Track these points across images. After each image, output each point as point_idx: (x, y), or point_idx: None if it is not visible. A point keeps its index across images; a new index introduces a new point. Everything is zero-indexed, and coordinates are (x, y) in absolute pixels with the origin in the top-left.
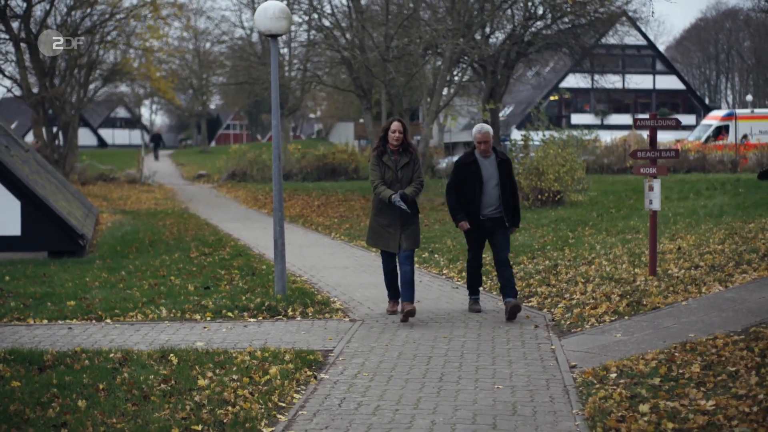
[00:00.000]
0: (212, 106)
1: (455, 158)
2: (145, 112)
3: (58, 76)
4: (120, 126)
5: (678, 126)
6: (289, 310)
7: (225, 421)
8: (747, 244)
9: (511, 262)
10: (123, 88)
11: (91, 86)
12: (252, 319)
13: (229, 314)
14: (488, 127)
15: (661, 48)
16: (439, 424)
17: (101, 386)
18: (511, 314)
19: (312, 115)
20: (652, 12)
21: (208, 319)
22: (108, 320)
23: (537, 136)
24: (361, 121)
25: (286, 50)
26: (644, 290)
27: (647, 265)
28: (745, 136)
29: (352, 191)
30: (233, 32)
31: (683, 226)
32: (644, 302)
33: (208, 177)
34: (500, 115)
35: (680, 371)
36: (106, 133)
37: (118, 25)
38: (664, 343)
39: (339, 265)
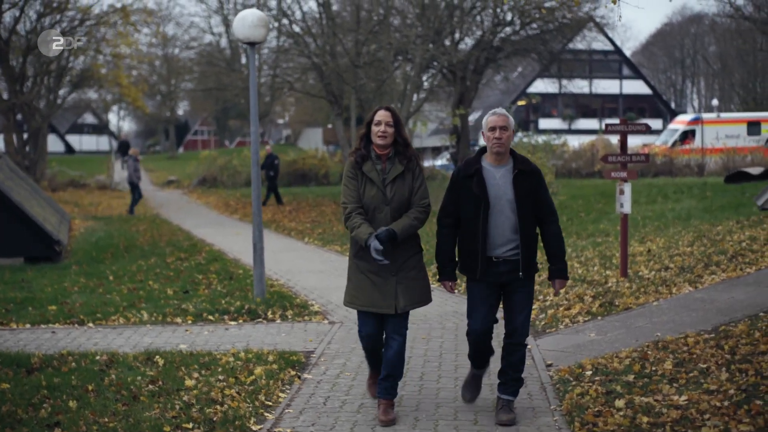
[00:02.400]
0: (180, 112)
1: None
2: (112, 118)
3: (28, 82)
4: (87, 132)
5: (648, 131)
6: (269, 313)
7: (215, 419)
8: (715, 246)
9: (528, 343)
10: (91, 94)
11: (61, 92)
12: (233, 323)
13: (210, 318)
14: (505, 111)
15: (628, 53)
16: (422, 420)
17: (90, 387)
18: (501, 423)
19: (280, 121)
20: (619, 16)
21: (190, 322)
22: (90, 324)
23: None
24: (330, 126)
25: (255, 56)
26: (616, 291)
27: (618, 267)
28: (685, 135)
29: (323, 196)
30: (202, 38)
31: (652, 229)
32: (616, 303)
33: (178, 183)
34: (469, 119)
35: (653, 368)
36: (74, 140)
37: (88, 31)
38: (636, 341)
39: (314, 269)
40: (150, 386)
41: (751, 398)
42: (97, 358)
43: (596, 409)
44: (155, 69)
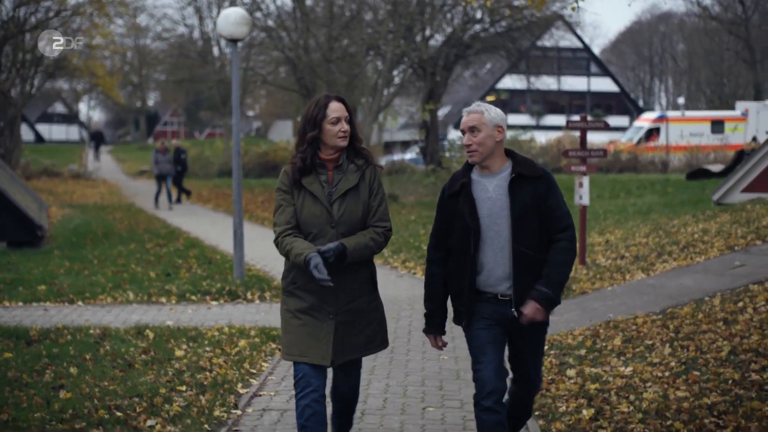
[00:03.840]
0: (150, 103)
1: (395, 157)
2: (82, 107)
3: (4, 71)
4: (57, 121)
5: (606, 128)
6: (248, 294)
7: (205, 383)
8: (669, 237)
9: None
10: (61, 83)
11: (35, 81)
12: (214, 302)
13: (193, 298)
14: (486, 107)
15: (597, 50)
16: (393, 386)
17: (87, 357)
18: None
19: (250, 113)
20: (578, 22)
21: (174, 302)
22: (80, 303)
23: None
24: (299, 119)
25: (228, 49)
26: (574, 277)
27: (577, 255)
28: (650, 133)
29: None
30: (174, 29)
31: (612, 222)
32: (573, 288)
33: (150, 173)
34: (438, 114)
35: (603, 344)
36: (43, 129)
37: (63, 22)
38: (590, 321)
39: None
40: (143, 356)
41: (689, 370)
42: (91, 331)
43: (550, 377)
44: (126, 59)
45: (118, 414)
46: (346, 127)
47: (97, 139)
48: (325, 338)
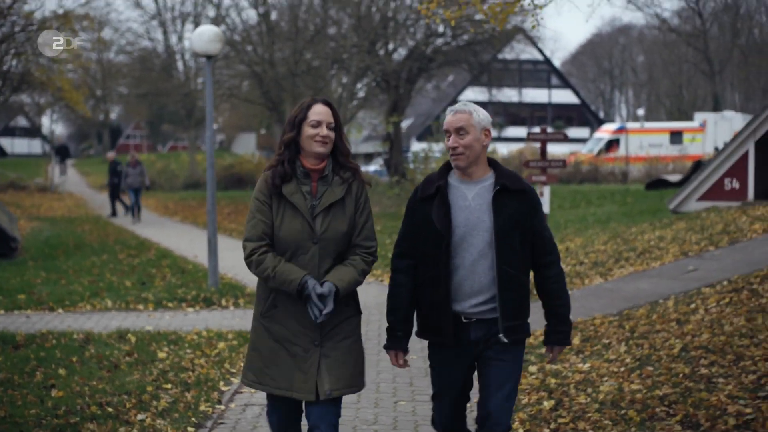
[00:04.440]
0: (113, 116)
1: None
2: (45, 121)
3: None
4: (19, 135)
5: (565, 139)
6: (223, 301)
7: (189, 381)
8: (627, 244)
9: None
10: (23, 97)
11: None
12: (190, 309)
13: (169, 305)
14: (474, 107)
15: (558, 63)
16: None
17: (74, 359)
18: None
19: (214, 126)
20: (538, 36)
21: (151, 309)
22: (60, 310)
23: (438, 147)
24: (263, 131)
25: (192, 63)
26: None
27: None
28: (610, 144)
29: None
30: (138, 43)
31: (573, 231)
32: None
33: None
34: (402, 126)
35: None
36: (5, 142)
37: (29, 37)
38: None
39: None
40: (127, 358)
41: (643, 365)
42: (75, 336)
43: None
44: (89, 72)
45: (109, 410)
46: (325, 132)
47: (62, 152)
48: (310, 370)
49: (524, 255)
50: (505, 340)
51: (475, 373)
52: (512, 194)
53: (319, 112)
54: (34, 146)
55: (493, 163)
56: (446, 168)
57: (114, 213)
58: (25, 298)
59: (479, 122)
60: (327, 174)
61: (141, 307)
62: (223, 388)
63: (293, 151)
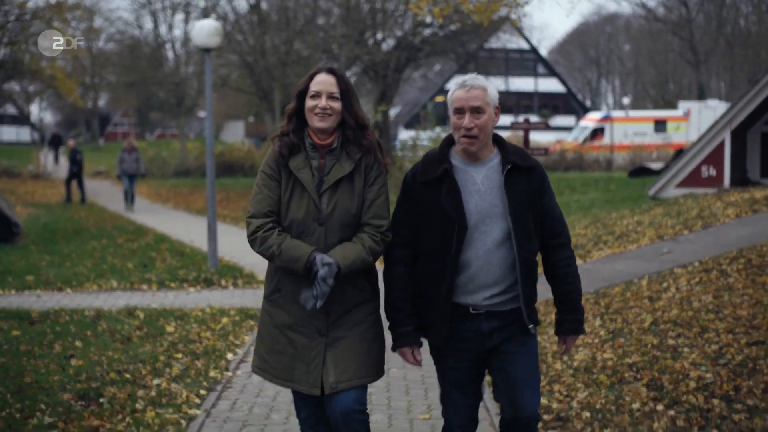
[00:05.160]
0: (101, 103)
1: None
2: (33, 109)
3: None
4: (7, 123)
5: (547, 128)
6: (222, 281)
7: (197, 351)
8: (606, 229)
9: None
10: (12, 85)
11: None
12: (192, 288)
13: (171, 285)
14: (486, 81)
15: (544, 51)
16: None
17: (88, 333)
18: None
19: (201, 114)
20: (522, 27)
21: (155, 288)
22: (68, 290)
23: (425, 135)
24: (251, 119)
25: (182, 51)
26: None
27: None
28: (595, 132)
29: (250, 187)
30: (127, 31)
31: None
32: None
33: (106, 173)
34: (390, 114)
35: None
36: None
37: (23, 26)
38: None
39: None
40: (138, 332)
41: (616, 337)
42: (86, 313)
43: None
44: (79, 61)
45: (127, 376)
46: (324, 103)
47: (56, 142)
48: (314, 361)
49: (535, 236)
50: (533, 331)
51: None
52: (522, 172)
53: (320, 81)
54: (23, 134)
55: (496, 139)
56: (445, 146)
57: (69, 199)
58: (34, 279)
59: (493, 99)
60: (336, 147)
61: (145, 287)
62: (230, 358)
63: (298, 124)
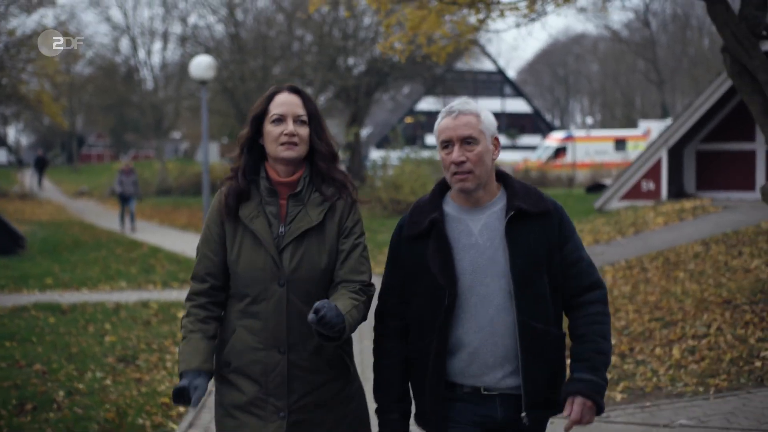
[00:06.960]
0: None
1: None
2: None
3: None
4: None
5: (513, 147)
6: None
7: None
8: None
9: None
10: None
11: None
12: None
13: (174, 284)
14: (478, 107)
15: (513, 71)
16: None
17: (113, 319)
18: None
19: (177, 135)
20: (467, 60)
21: (160, 288)
22: (85, 290)
23: (395, 155)
24: (225, 141)
25: (160, 74)
26: None
27: None
28: (558, 151)
29: None
30: (106, 55)
31: None
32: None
33: (89, 193)
34: (361, 135)
35: None
36: None
37: (13, 54)
38: None
39: None
40: (154, 318)
41: None
42: (107, 305)
43: None
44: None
45: (154, 347)
46: (291, 128)
47: (41, 165)
48: None
49: (556, 300)
50: (526, 422)
51: None
52: (534, 218)
53: (282, 102)
54: None
55: (503, 178)
56: (439, 191)
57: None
58: (53, 281)
59: (489, 127)
60: (301, 189)
61: (151, 286)
62: None
63: (254, 158)
